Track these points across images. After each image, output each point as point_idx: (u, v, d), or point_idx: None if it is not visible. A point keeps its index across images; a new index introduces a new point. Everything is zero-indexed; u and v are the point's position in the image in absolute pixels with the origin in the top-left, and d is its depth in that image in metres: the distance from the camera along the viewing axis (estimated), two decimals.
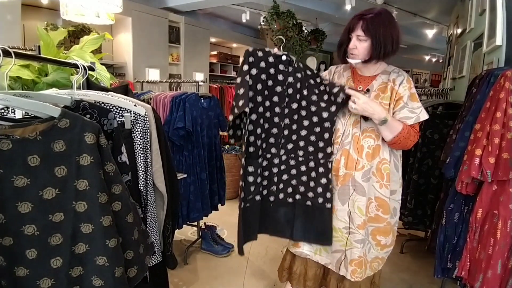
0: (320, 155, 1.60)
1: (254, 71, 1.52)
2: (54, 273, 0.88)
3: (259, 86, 1.54)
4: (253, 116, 1.55)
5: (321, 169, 1.60)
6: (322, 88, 1.57)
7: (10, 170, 0.82)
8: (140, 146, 1.19)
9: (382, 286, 2.26)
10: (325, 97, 1.57)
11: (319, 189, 1.60)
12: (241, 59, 7.73)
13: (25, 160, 0.83)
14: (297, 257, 1.77)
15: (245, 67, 1.50)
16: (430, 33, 7.03)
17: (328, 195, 1.59)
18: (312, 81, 1.59)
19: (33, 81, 1.68)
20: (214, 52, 6.60)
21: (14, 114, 1.00)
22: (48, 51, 1.72)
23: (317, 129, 1.59)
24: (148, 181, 1.23)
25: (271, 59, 1.55)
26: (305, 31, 5.42)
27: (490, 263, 1.44)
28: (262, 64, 1.53)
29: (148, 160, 1.23)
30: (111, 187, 0.92)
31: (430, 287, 2.27)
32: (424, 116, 1.55)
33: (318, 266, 1.74)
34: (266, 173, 1.64)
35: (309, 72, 1.59)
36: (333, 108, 1.56)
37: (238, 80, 1.50)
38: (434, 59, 10.34)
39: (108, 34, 2.17)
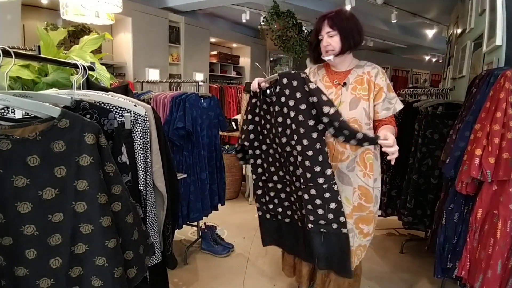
0: (321, 180, 1.51)
1: (257, 110, 1.68)
2: (53, 273, 0.88)
3: (263, 122, 1.69)
4: (258, 151, 1.73)
5: (326, 194, 1.52)
6: (311, 100, 1.48)
7: (10, 170, 0.82)
8: (140, 146, 1.19)
9: (382, 286, 2.27)
10: (313, 111, 1.48)
11: (330, 215, 1.54)
12: (241, 60, 7.70)
13: (25, 160, 0.83)
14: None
15: (248, 108, 1.69)
16: (430, 33, 7.03)
17: (342, 219, 1.54)
18: (295, 99, 1.51)
19: (33, 81, 1.68)
20: (214, 52, 6.60)
21: (14, 114, 1.00)
22: (48, 51, 1.72)
23: (310, 153, 1.50)
24: (148, 181, 1.23)
25: (259, 93, 1.65)
26: (305, 31, 5.41)
27: (490, 263, 1.44)
28: (258, 103, 1.67)
29: (148, 160, 1.23)
30: (111, 187, 0.92)
31: (430, 287, 2.27)
32: (400, 106, 1.67)
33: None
34: (276, 201, 1.76)
35: (294, 83, 1.51)
36: (320, 127, 1.49)
37: (245, 116, 1.71)
38: (434, 59, 10.34)
39: (108, 34, 2.17)
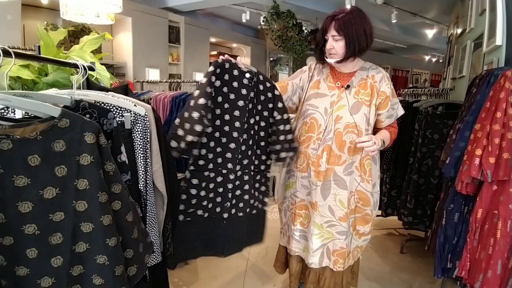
0: (263, 167, 1.67)
1: (218, 83, 1.49)
2: (54, 272, 0.88)
3: (220, 99, 1.50)
4: (209, 129, 1.48)
5: (263, 179, 1.69)
6: (272, 104, 1.60)
7: (11, 170, 0.82)
8: (140, 146, 1.19)
9: (382, 286, 2.27)
10: (275, 113, 1.60)
11: (261, 196, 1.70)
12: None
13: (25, 160, 0.83)
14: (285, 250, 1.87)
15: (213, 78, 1.46)
16: (430, 33, 7.04)
17: (266, 199, 1.72)
18: (267, 95, 1.59)
19: (33, 81, 1.68)
20: (214, 52, 6.60)
21: (14, 114, 1.00)
22: (48, 51, 1.72)
23: (262, 143, 1.64)
24: (148, 181, 1.23)
25: (235, 72, 1.53)
26: (305, 31, 5.42)
27: (490, 263, 1.44)
28: (226, 77, 1.51)
29: (148, 160, 1.23)
30: (111, 186, 0.92)
31: (430, 287, 2.27)
32: (401, 111, 1.69)
33: (298, 261, 1.80)
34: (221, 190, 1.58)
35: (268, 85, 1.59)
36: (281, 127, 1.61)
37: (197, 92, 1.44)
38: (434, 59, 10.35)
39: (108, 34, 2.17)
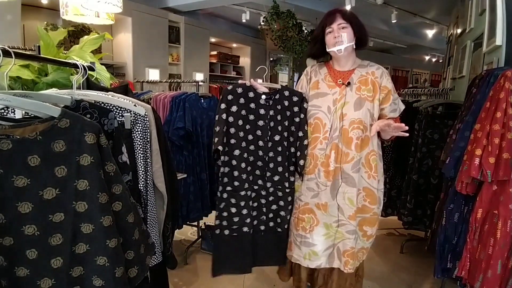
0: (286, 184, 1.68)
1: (234, 108, 1.58)
2: (54, 273, 0.88)
3: (240, 122, 1.60)
4: (237, 152, 1.59)
5: (289, 198, 1.70)
6: (299, 119, 1.65)
7: (10, 170, 0.82)
8: (140, 146, 1.19)
9: (382, 286, 2.27)
10: (301, 128, 1.64)
11: (288, 216, 1.72)
12: (241, 60, 7.69)
13: (25, 160, 0.83)
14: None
15: (223, 106, 1.56)
16: (430, 33, 7.04)
17: (288, 217, 1.73)
18: (293, 110, 1.65)
19: (33, 81, 1.68)
20: (214, 52, 6.60)
21: (14, 114, 1.00)
22: (48, 51, 1.72)
23: (293, 159, 1.67)
24: (148, 181, 1.23)
25: (251, 94, 1.61)
26: (305, 31, 5.41)
27: (490, 263, 1.44)
28: (242, 101, 1.60)
29: (148, 160, 1.23)
30: (112, 187, 0.92)
31: (430, 287, 2.27)
32: (402, 105, 1.70)
33: (305, 267, 1.77)
34: (255, 204, 1.68)
35: (295, 99, 1.65)
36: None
37: (217, 117, 1.57)
38: (434, 59, 10.35)
39: (108, 34, 2.17)
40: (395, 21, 5.71)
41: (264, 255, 1.73)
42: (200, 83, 3.05)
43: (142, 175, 1.20)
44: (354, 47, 1.61)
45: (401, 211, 2.58)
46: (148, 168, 1.23)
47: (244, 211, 1.63)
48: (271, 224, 1.71)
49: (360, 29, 1.59)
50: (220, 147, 1.55)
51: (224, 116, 1.55)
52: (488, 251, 1.46)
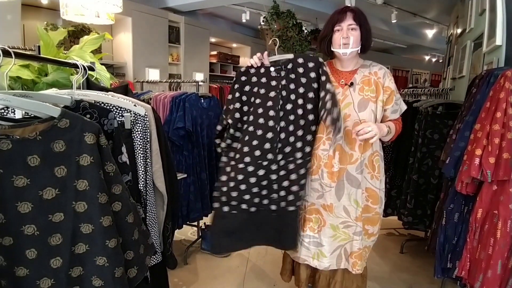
0: (299, 154, 1.60)
1: (247, 88, 1.59)
2: (54, 273, 0.88)
3: (252, 99, 1.59)
4: (251, 128, 1.55)
5: (302, 171, 1.59)
6: (316, 84, 1.56)
7: (10, 170, 0.82)
8: (140, 146, 1.19)
9: (382, 286, 2.27)
10: (322, 93, 1.53)
11: (302, 192, 1.61)
12: (241, 60, 7.65)
13: (25, 160, 0.83)
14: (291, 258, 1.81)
15: (236, 86, 1.59)
16: (430, 33, 7.03)
17: (302, 193, 1.63)
18: (309, 76, 1.58)
19: (33, 81, 1.68)
20: (214, 52, 6.60)
21: (14, 114, 1.00)
22: (48, 51, 1.72)
23: (313, 128, 1.58)
24: (148, 181, 1.23)
25: (262, 70, 1.60)
26: (305, 31, 5.41)
27: (490, 263, 1.44)
28: (254, 79, 1.60)
29: (148, 160, 1.23)
30: (111, 187, 0.92)
31: (430, 287, 2.27)
32: (404, 106, 1.69)
33: (307, 267, 1.76)
34: (265, 182, 1.57)
35: (311, 65, 1.58)
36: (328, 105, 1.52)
37: (230, 96, 1.58)
38: (434, 59, 10.34)
39: (108, 34, 2.17)
40: (395, 21, 5.71)
41: (274, 235, 1.65)
42: (200, 83, 3.05)
43: (142, 175, 1.20)
44: (359, 52, 1.59)
45: (401, 211, 2.58)
46: (148, 168, 1.23)
47: (243, 187, 1.54)
48: (283, 204, 1.60)
49: (367, 34, 1.57)
50: (230, 120, 1.58)
51: (237, 94, 1.59)
52: (488, 251, 1.46)
